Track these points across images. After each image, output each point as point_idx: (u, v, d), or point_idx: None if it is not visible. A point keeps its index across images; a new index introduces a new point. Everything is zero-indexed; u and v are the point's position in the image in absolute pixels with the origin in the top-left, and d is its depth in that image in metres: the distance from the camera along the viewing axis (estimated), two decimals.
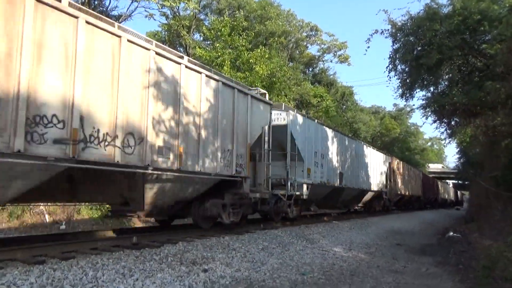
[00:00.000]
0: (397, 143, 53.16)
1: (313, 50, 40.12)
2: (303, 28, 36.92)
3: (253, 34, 25.27)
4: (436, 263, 8.48)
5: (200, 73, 8.62)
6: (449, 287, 6.37)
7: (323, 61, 41.12)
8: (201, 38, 30.23)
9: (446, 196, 53.26)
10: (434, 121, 15.06)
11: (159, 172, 7.36)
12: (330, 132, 16.05)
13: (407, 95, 14.84)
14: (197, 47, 23.83)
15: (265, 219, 12.68)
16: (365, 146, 20.75)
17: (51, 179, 5.78)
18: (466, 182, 38.21)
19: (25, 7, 5.15)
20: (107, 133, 6.27)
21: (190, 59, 8.95)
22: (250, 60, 20.78)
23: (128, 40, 6.74)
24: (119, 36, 6.57)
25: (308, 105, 32.01)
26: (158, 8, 20.85)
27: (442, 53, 12.01)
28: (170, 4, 19.41)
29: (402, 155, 46.51)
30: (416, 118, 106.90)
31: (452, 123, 15.36)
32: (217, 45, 21.62)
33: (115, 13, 20.28)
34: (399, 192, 26.14)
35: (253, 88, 11.56)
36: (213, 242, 7.82)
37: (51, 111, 5.44)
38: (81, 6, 6.23)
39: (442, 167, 65.53)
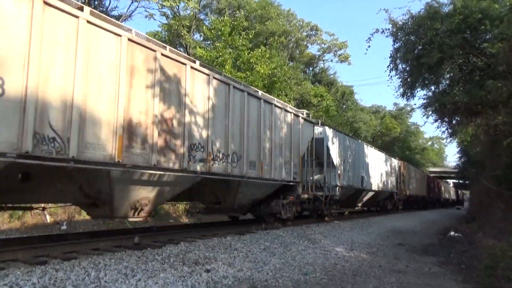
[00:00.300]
0: (398, 142, 53.17)
1: (313, 49, 40.16)
2: (303, 27, 36.92)
3: (253, 33, 25.24)
4: (439, 263, 8.46)
5: (271, 104, 11.41)
6: (452, 287, 6.36)
7: (323, 60, 41.15)
8: (201, 38, 30.23)
9: (448, 195, 54.91)
10: (435, 120, 15.07)
11: (250, 180, 10.17)
12: (353, 142, 18.67)
13: (408, 94, 14.83)
14: (197, 47, 23.81)
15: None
16: (379, 153, 23.21)
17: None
18: (466, 182, 38.27)
19: (186, 72, 8.09)
20: (223, 153, 9.17)
21: (264, 93, 11.88)
22: (251, 60, 20.76)
23: (248, 94, 10.24)
24: (243, 91, 9.94)
25: (308, 105, 32.00)
26: (158, 8, 20.83)
27: (443, 52, 11.99)
28: (170, 4, 19.40)
29: (402, 154, 46.51)
30: (417, 117, 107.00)
31: (453, 122, 15.35)
32: (218, 44, 21.60)
33: (115, 13, 20.25)
34: (407, 193, 28.88)
35: (301, 110, 13.85)
36: (215, 243, 7.81)
37: (198, 141, 8.43)
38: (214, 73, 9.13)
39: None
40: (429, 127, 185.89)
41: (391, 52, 14.22)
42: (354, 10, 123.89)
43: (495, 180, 13.24)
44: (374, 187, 20.89)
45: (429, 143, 71.43)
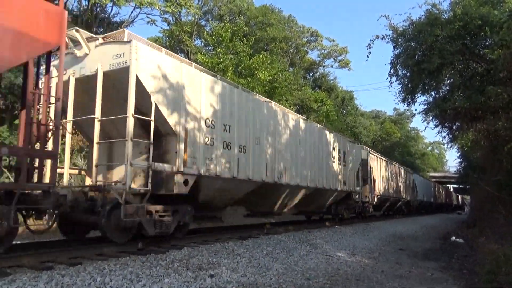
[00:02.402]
0: (398, 147, 53.27)
1: (313, 55, 40.32)
2: (304, 33, 37.09)
3: (254, 39, 25.39)
4: (441, 268, 8.49)
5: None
6: None
7: (323, 66, 41.29)
8: (202, 44, 30.39)
9: (454, 201, 64.72)
10: (436, 126, 15.14)
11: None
12: (424, 180, 38.11)
13: (409, 100, 14.91)
14: (198, 53, 23.93)
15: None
16: (427, 181, 40.56)
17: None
18: (467, 187, 38.54)
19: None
20: None
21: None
22: (252, 66, 20.86)
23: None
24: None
25: (309, 110, 32.11)
26: (160, 14, 20.96)
27: (443, 58, 12.08)
28: (172, 10, 19.54)
29: (402, 159, 46.58)
30: (417, 122, 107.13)
31: (454, 127, 15.42)
32: (219, 50, 21.72)
33: (117, 19, 20.39)
34: (437, 201, 44.22)
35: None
36: (217, 248, 7.83)
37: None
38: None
39: None
40: (429, 132, 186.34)
41: (392, 58, 14.34)
42: (355, 16, 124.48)
43: (497, 185, 13.28)
44: (427, 199, 36.64)
45: (429, 148, 71.51)
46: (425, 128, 54.92)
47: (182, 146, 7.57)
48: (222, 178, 8.64)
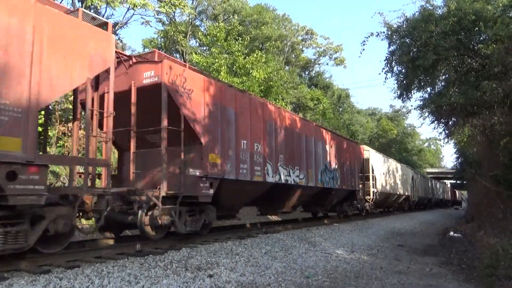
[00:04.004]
0: (395, 144, 53.43)
1: (309, 53, 40.35)
2: (299, 31, 37.10)
3: (249, 38, 25.34)
4: (440, 263, 8.51)
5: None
6: (454, 287, 6.40)
7: (319, 64, 41.33)
8: (197, 44, 30.32)
9: (456, 197, 73.69)
10: (432, 122, 15.14)
11: None
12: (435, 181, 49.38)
13: (405, 96, 14.90)
14: (193, 53, 23.87)
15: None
16: (440, 182, 51.63)
17: None
18: (464, 182, 38.67)
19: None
20: None
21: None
22: (247, 65, 20.81)
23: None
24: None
25: (305, 108, 32.14)
26: (155, 14, 20.89)
27: (438, 54, 12.08)
28: (166, 10, 19.46)
29: (399, 156, 46.71)
30: (413, 119, 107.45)
31: (450, 123, 15.43)
32: (213, 50, 21.67)
33: (111, 20, 20.26)
34: (444, 197, 54.83)
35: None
36: (216, 248, 7.81)
37: None
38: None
39: None
40: (425, 128, 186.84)
41: (387, 55, 14.31)
42: (349, 14, 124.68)
43: (494, 180, 13.32)
44: (440, 197, 48.86)
45: (426, 144, 71.78)
46: (421, 124, 55.11)
47: (374, 181, 19.79)
48: (385, 193, 21.46)
